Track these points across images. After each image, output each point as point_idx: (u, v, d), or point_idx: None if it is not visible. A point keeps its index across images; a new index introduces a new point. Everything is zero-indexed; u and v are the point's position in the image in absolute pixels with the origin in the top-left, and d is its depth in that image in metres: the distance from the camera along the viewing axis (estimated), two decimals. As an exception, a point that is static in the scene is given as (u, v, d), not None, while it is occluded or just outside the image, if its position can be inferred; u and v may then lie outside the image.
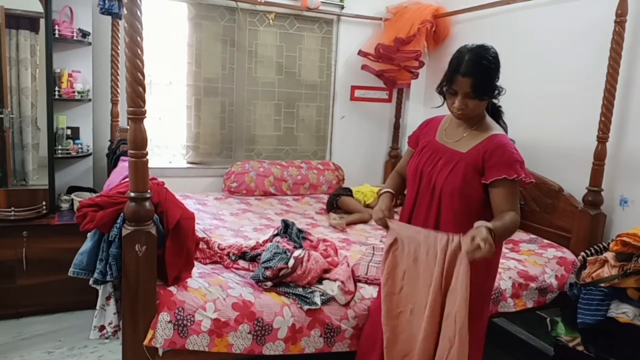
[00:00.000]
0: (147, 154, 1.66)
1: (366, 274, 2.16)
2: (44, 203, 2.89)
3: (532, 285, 2.38)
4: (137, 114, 1.62)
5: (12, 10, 2.83)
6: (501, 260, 2.45)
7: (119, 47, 3.15)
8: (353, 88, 4.05)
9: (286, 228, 2.42)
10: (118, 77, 3.19)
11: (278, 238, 2.35)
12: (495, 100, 1.79)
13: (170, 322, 1.75)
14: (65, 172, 3.22)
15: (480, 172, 1.66)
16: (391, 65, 3.70)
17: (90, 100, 3.19)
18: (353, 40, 3.88)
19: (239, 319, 1.83)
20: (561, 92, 2.89)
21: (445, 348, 1.65)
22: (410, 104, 4.09)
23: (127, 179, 1.81)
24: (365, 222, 3.14)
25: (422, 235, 1.70)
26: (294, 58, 3.89)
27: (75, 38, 3.03)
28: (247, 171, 3.60)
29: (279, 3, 3.64)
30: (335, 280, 2.03)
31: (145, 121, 1.64)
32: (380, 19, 3.86)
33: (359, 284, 2.11)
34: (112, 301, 1.84)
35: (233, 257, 2.21)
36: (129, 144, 1.63)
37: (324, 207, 3.42)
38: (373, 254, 2.38)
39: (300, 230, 2.45)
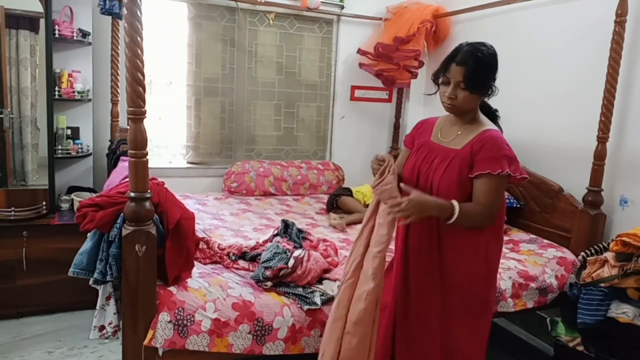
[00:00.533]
0: (147, 154, 1.66)
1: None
2: (44, 203, 2.89)
3: (532, 285, 2.38)
4: (137, 114, 1.62)
5: (12, 10, 2.83)
6: (501, 260, 2.47)
7: (119, 47, 3.15)
8: (353, 88, 4.05)
9: (286, 228, 2.42)
10: (118, 77, 3.19)
11: (278, 238, 2.35)
12: (489, 102, 1.79)
13: (170, 322, 1.75)
14: (65, 172, 3.22)
15: (471, 166, 1.65)
16: (390, 65, 3.70)
17: (90, 100, 3.19)
18: (353, 40, 3.88)
19: (239, 319, 1.83)
20: (561, 92, 2.89)
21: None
22: (410, 104, 4.09)
23: (127, 179, 1.81)
24: (365, 222, 3.13)
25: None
26: (294, 58, 3.89)
27: (75, 38, 3.03)
28: (247, 171, 3.60)
29: (279, 3, 3.64)
30: (335, 280, 2.04)
31: (145, 121, 1.64)
32: (380, 19, 3.85)
33: (359, 284, 2.11)
34: (112, 301, 1.84)
35: (233, 257, 2.21)
36: (129, 144, 1.63)
37: (324, 207, 3.42)
38: None
39: (300, 230, 2.45)
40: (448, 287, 1.72)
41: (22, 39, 2.87)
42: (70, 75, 3.08)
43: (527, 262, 2.50)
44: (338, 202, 3.29)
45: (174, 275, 1.83)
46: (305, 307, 1.91)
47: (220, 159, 3.78)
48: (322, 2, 3.74)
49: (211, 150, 3.76)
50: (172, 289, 1.82)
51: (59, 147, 3.04)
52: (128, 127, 1.64)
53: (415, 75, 3.78)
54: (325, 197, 3.55)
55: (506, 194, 2.96)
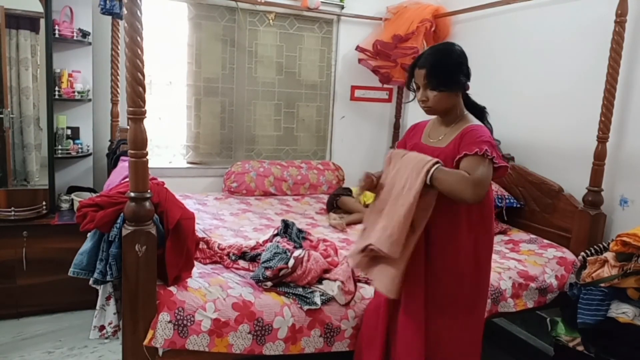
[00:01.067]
0: (147, 154, 1.66)
1: (366, 274, 2.16)
2: (44, 203, 2.89)
3: (532, 285, 2.38)
4: (137, 114, 1.62)
5: (12, 10, 2.83)
6: (501, 260, 2.48)
7: (119, 47, 3.15)
8: (353, 88, 4.05)
9: (286, 228, 2.42)
10: (118, 77, 3.19)
11: (278, 238, 2.35)
12: (475, 100, 1.81)
13: (170, 322, 1.75)
14: (65, 172, 3.22)
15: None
16: (388, 62, 3.69)
17: (90, 100, 3.19)
18: (353, 40, 3.88)
19: (239, 319, 1.83)
20: (561, 92, 2.89)
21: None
22: (410, 104, 4.08)
23: (127, 179, 1.81)
24: (365, 222, 3.13)
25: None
26: (294, 58, 3.89)
27: (75, 38, 3.03)
28: (247, 171, 3.60)
29: (279, 3, 3.64)
30: (335, 280, 2.03)
31: (145, 121, 1.64)
32: (380, 18, 3.86)
33: (359, 284, 2.11)
34: (112, 301, 1.84)
35: (233, 257, 2.21)
36: (129, 144, 1.63)
37: (324, 207, 3.42)
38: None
39: (300, 230, 2.45)
40: (434, 282, 1.74)
41: (23, 39, 2.87)
42: (70, 75, 3.08)
43: (527, 262, 2.50)
44: (338, 202, 3.29)
45: (174, 275, 1.83)
46: (305, 307, 1.91)
47: (220, 159, 3.78)
48: (322, 2, 3.74)
49: (211, 150, 3.76)
50: (172, 289, 1.82)
51: (59, 147, 3.04)
52: (128, 127, 1.64)
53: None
54: (325, 197, 3.55)
55: (506, 193, 2.97)
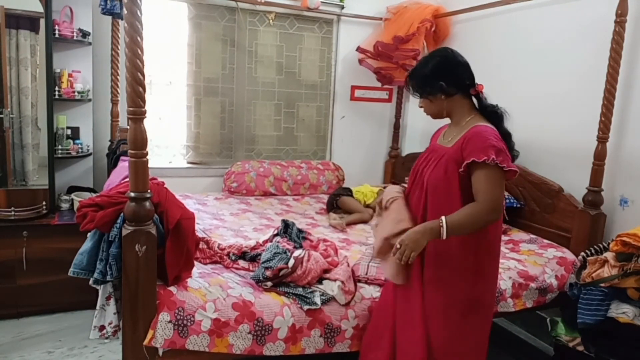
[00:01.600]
0: (147, 154, 1.66)
1: (366, 274, 2.16)
2: (44, 203, 2.89)
3: (532, 285, 2.38)
4: (137, 114, 1.61)
5: (12, 10, 2.83)
6: (501, 260, 2.46)
7: (119, 47, 3.15)
8: (353, 88, 4.05)
9: (286, 228, 2.42)
10: (118, 77, 3.19)
11: (278, 238, 2.35)
12: (488, 102, 1.80)
13: (170, 322, 1.75)
14: (65, 172, 3.22)
15: (460, 163, 1.67)
16: (389, 63, 3.70)
17: (90, 100, 3.19)
18: (353, 40, 3.87)
19: (239, 319, 1.83)
20: (561, 92, 2.89)
21: None
22: (410, 104, 4.09)
23: (127, 179, 1.81)
24: (365, 222, 3.13)
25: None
26: (294, 58, 3.89)
27: (75, 38, 3.04)
28: (247, 171, 3.60)
29: (279, 3, 3.64)
30: (335, 280, 2.03)
31: (145, 121, 1.64)
32: (380, 19, 3.86)
33: (359, 284, 2.11)
34: (112, 301, 1.84)
35: (233, 257, 2.21)
36: (129, 144, 1.63)
37: (324, 207, 3.42)
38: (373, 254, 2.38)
39: (300, 230, 2.45)
40: (432, 286, 1.75)
41: (22, 39, 2.87)
42: (70, 75, 3.09)
43: (527, 262, 2.49)
44: (338, 202, 3.29)
45: (174, 275, 1.83)
46: (305, 307, 1.91)
47: (220, 159, 3.78)
48: (322, 2, 3.74)
49: (211, 150, 3.76)
50: (172, 289, 1.82)
51: (59, 147, 3.05)
52: (128, 127, 1.64)
53: (414, 76, 3.77)
54: (325, 197, 3.55)
55: (506, 193, 2.96)
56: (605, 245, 2.25)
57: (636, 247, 2.00)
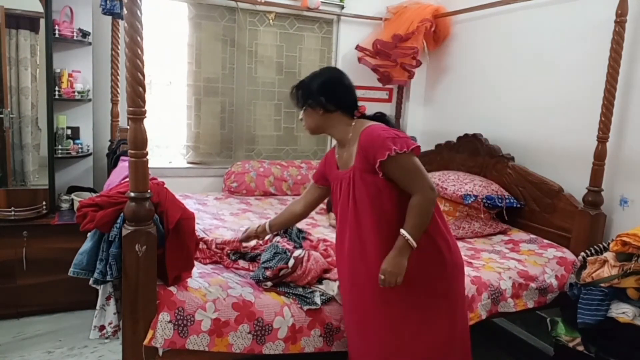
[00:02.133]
0: (147, 154, 1.66)
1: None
2: (44, 203, 2.89)
3: (532, 285, 2.38)
4: (137, 114, 1.61)
5: (12, 10, 2.83)
6: (501, 260, 2.48)
7: (119, 47, 3.15)
8: (353, 88, 4.04)
9: (286, 228, 2.42)
10: (118, 77, 3.19)
11: (278, 238, 2.35)
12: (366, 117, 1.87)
13: (170, 322, 1.75)
14: (65, 172, 3.22)
15: (372, 170, 1.70)
16: (387, 61, 3.70)
17: (90, 100, 3.19)
18: (353, 40, 3.87)
19: (239, 318, 1.83)
20: (561, 92, 2.89)
21: None
22: (410, 104, 4.09)
23: (127, 179, 1.81)
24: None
25: None
26: (294, 58, 3.89)
27: (75, 38, 3.04)
28: (247, 171, 3.60)
29: (279, 3, 3.64)
30: (335, 280, 2.03)
31: (145, 121, 1.64)
32: (381, 18, 3.86)
33: (359, 284, 2.11)
34: (112, 301, 1.84)
35: (233, 257, 2.21)
36: (129, 144, 1.63)
37: (324, 207, 3.41)
38: None
39: (300, 230, 2.45)
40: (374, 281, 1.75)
41: (22, 39, 2.87)
42: (70, 75, 3.09)
43: (527, 262, 2.50)
44: (338, 202, 3.29)
45: (174, 275, 1.83)
46: (305, 307, 1.91)
47: (220, 159, 3.78)
48: (322, 2, 3.74)
49: (211, 150, 3.76)
50: (172, 289, 1.82)
51: (59, 147, 3.05)
52: (128, 127, 1.64)
53: (412, 75, 3.77)
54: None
55: (506, 193, 2.97)
56: (605, 245, 2.26)
57: (636, 247, 2.01)
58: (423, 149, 1.94)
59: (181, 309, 1.77)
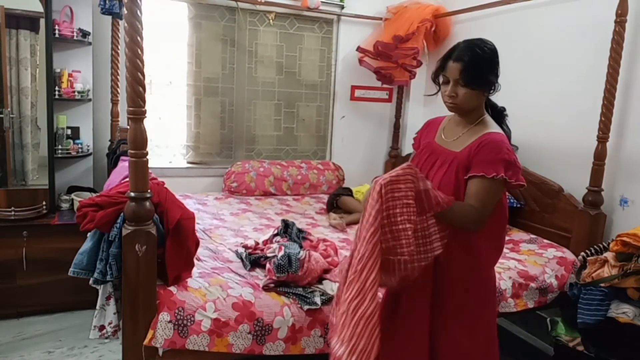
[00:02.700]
0: (147, 153, 1.66)
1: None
2: (44, 203, 2.89)
3: (532, 285, 2.38)
4: (137, 113, 1.62)
5: (12, 10, 2.83)
6: (501, 260, 2.47)
7: (119, 47, 3.15)
8: (353, 88, 4.05)
9: (286, 228, 2.42)
10: (118, 77, 3.19)
11: (278, 238, 2.35)
12: (494, 101, 1.77)
13: (170, 322, 1.75)
14: (65, 172, 3.22)
15: (468, 169, 1.61)
16: (389, 63, 3.70)
17: (90, 100, 3.19)
18: (353, 40, 3.87)
19: (239, 318, 1.83)
20: (561, 92, 2.89)
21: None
22: (411, 104, 4.09)
23: (127, 179, 1.81)
24: (365, 222, 3.13)
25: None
26: (294, 58, 3.89)
27: (75, 38, 3.03)
28: (247, 171, 3.60)
29: (279, 3, 3.64)
30: (335, 281, 2.03)
31: (145, 121, 1.64)
32: (381, 18, 3.85)
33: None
34: (112, 301, 1.84)
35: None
36: (129, 144, 1.63)
37: (324, 207, 3.42)
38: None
39: (300, 230, 2.45)
40: (440, 290, 1.68)
41: (22, 39, 2.87)
42: (70, 75, 3.08)
43: (527, 262, 2.50)
44: (338, 202, 3.29)
45: (174, 275, 1.83)
46: (305, 307, 1.91)
47: (220, 159, 3.78)
48: (322, 2, 3.74)
49: (211, 150, 3.76)
50: (172, 288, 1.82)
51: (59, 147, 3.04)
52: (128, 127, 1.64)
53: (413, 75, 3.77)
54: (325, 197, 3.55)
55: (506, 193, 2.96)
56: (605, 245, 2.26)
57: (636, 247, 2.01)
58: (423, 149, 1.94)
59: (181, 309, 1.77)
